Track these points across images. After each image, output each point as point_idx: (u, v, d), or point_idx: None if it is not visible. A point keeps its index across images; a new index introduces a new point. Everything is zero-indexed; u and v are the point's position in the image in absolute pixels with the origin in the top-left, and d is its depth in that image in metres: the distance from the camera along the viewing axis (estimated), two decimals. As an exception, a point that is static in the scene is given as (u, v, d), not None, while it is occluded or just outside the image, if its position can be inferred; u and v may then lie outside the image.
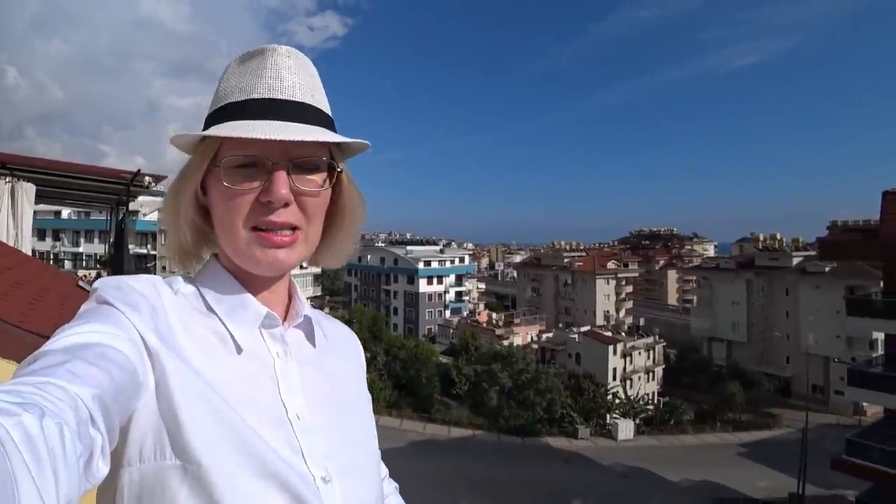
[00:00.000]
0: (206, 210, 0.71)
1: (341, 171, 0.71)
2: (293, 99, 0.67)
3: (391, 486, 0.95)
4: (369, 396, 0.86)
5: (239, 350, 0.66)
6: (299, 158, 0.65)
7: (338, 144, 0.70)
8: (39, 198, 6.74)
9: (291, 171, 0.65)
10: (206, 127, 0.67)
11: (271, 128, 0.62)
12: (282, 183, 0.63)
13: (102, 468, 0.46)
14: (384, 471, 0.92)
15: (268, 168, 0.64)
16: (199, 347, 0.63)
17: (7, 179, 6.15)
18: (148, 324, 0.60)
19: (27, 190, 6.25)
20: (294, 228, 0.66)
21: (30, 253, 6.57)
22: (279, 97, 0.66)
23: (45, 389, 0.43)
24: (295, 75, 0.68)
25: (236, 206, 0.64)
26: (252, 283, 0.71)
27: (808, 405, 30.49)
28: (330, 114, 0.71)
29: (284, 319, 0.74)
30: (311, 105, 0.68)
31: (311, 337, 0.77)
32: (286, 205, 0.65)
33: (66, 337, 0.53)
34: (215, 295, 0.69)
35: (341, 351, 0.83)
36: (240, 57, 0.71)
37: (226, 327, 0.67)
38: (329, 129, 0.69)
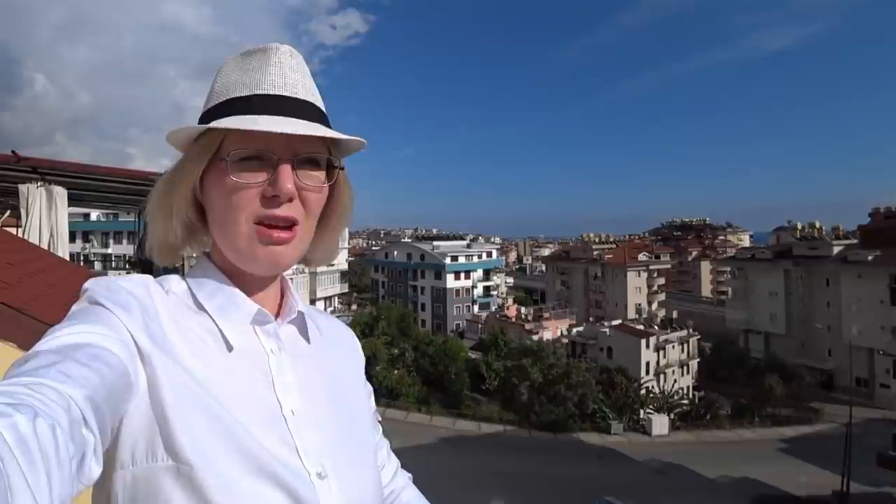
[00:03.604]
0: (199, 206, 0.70)
1: (342, 169, 0.72)
2: (297, 96, 0.67)
3: (404, 478, 0.94)
4: (370, 389, 0.86)
5: (230, 347, 0.66)
6: (303, 154, 0.66)
7: (336, 144, 0.71)
8: (71, 201, 6.88)
9: (296, 166, 0.65)
10: (206, 123, 0.66)
11: (278, 122, 0.62)
12: (287, 177, 0.64)
13: (95, 469, 0.46)
14: (395, 462, 0.93)
15: (273, 162, 0.64)
16: (190, 346, 0.63)
17: (40, 184, 6.29)
18: (139, 324, 0.59)
19: (60, 194, 6.39)
20: (293, 225, 0.66)
21: (67, 256, 6.71)
22: (284, 94, 0.66)
23: (37, 390, 0.43)
24: (297, 73, 0.69)
25: (240, 199, 0.64)
26: (244, 282, 0.70)
27: (851, 399, 29.38)
28: (327, 114, 0.71)
29: (277, 316, 0.74)
30: (312, 103, 0.69)
31: (305, 332, 0.76)
32: (290, 199, 0.65)
33: (58, 338, 0.52)
34: (206, 293, 0.69)
35: (337, 346, 0.82)
36: (240, 54, 0.70)
37: (217, 325, 0.67)
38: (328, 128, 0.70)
